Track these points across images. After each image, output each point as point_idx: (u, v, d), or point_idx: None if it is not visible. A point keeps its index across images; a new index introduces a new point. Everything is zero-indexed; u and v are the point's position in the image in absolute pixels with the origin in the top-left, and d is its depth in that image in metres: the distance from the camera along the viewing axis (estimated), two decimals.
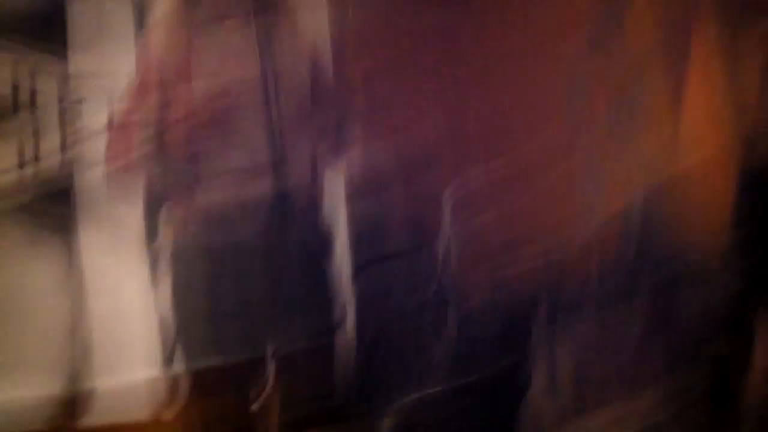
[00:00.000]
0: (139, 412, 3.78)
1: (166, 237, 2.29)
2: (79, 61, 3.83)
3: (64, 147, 3.77)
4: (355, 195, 4.08)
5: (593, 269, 3.44)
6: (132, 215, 3.72)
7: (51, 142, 3.74)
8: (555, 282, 3.70)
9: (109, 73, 3.84)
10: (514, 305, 3.25)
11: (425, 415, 2.26)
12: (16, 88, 3.70)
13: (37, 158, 3.71)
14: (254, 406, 2.20)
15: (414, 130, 4.58)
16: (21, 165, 3.67)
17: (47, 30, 3.81)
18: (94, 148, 3.78)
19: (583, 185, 4.53)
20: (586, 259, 3.77)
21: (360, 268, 3.75)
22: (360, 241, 3.92)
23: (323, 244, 2.26)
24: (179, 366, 2.37)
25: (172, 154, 2.11)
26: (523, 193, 4.88)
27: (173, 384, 2.46)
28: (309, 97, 2.09)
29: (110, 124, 2.31)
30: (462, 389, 2.46)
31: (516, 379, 2.56)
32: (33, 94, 3.74)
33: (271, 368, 2.23)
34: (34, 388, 3.66)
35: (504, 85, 5.22)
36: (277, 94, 1.93)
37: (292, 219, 2.03)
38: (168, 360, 2.50)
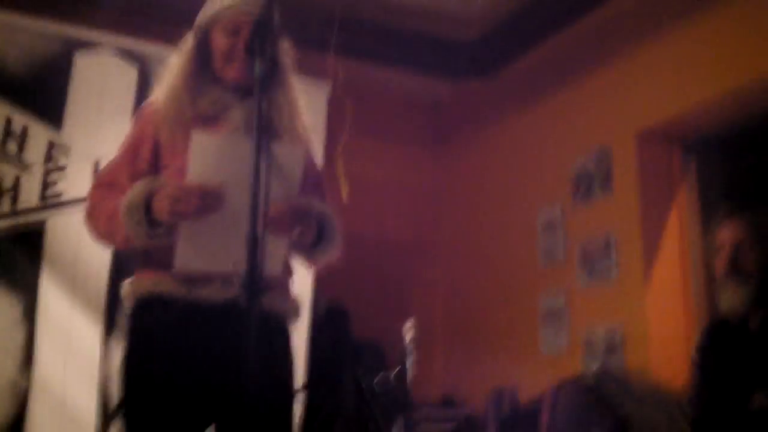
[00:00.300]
0: None
1: (126, 301, 2.25)
2: (69, 132, 3.88)
3: (41, 201, 3.78)
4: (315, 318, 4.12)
5: None
6: (96, 274, 3.71)
7: (30, 194, 3.75)
8: None
9: (95, 148, 3.89)
10: None
11: None
12: (5, 140, 3.74)
13: (15, 203, 3.70)
14: None
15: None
16: None
17: (44, 97, 3.88)
18: (69, 208, 3.79)
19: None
20: None
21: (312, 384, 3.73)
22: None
23: (282, 357, 2.23)
24: None
25: (149, 227, 2.11)
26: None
27: None
28: (288, 218, 2.11)
29: (94, 188, 2.31)
30: None
31: None
32: (21, 149, 3.77)
33: None
34: None
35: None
36: (258, 205, 1.95)
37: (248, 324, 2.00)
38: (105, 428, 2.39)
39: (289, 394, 2.27)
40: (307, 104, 2.40)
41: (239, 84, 2.23)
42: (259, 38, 2.00)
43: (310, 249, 2.26)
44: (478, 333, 5.17)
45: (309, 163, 2.31)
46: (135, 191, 2.11)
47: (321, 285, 4.21)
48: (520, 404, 4.38)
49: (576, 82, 4.76)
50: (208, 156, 2.08)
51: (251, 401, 1.70)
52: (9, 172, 3.73)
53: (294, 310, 2.30)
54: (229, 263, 1.98)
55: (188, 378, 2.10)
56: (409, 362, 4.09)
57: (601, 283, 4.41)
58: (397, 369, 4.06)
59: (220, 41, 2.26)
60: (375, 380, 4.11)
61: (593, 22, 4.59)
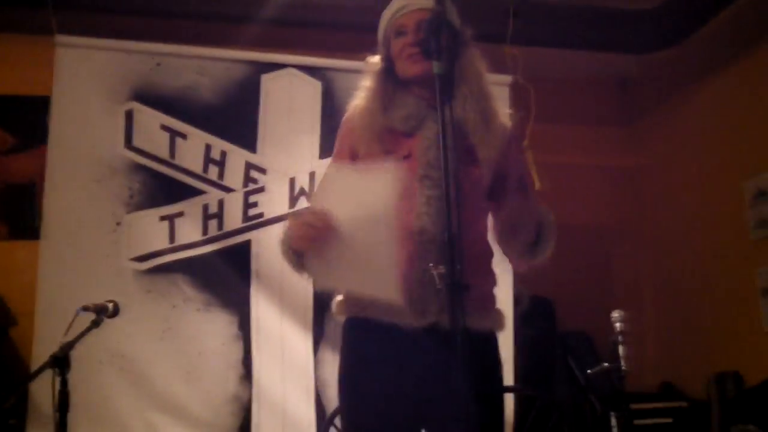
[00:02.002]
0: None
1: (336, 317, 2.32)
2: (263, 152, 4.01)
3: (244, 221, 3.94)
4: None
5: None
6: (302, 288, 3.81)
7: (234, 216, 3.92)
8: None
9: (290, 166, 4.00)
10: None
11: None
12: (206, 166, 3.92)
13: (221, 226, 3.89)
14: None
15: None
16: (206, 230, 3.87)
17: (237, 121, 4.03)
18: (271, 226, 3.92)
19: None
20: None
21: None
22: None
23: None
24: None
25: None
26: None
27: None
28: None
29: (291, 213, 2.39)
30: None
31: None
32: (221, 174, 3.94)
33: None
34: None
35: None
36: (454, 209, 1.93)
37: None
38: None
39: (498, 399, 2.29)
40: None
41: (422, 79, 2.21)
42: (432, 32, 2.00)
43: (530, 249, 2.26)
44: (692, 315, 4.92)
45: (511, 154, 2.32)
46: (285, 226, 2.23)
47: (522, 277, 4.15)
48: (745, 387, 4.15)
49: None
50: (337, 186, 2.14)
51: (463, 409, 1.73)
52: (214, 197, 3.91)
53: (499, 324, 2.29)
54: (374, 288, 2.07)
55: (400, 389, 2.16)
56: (621, 351, 3.97)
57: None
58: (610, 358, 3.94)
59: (394, 45, 2.29)
60: (588, 370, 4.01)
61: None
